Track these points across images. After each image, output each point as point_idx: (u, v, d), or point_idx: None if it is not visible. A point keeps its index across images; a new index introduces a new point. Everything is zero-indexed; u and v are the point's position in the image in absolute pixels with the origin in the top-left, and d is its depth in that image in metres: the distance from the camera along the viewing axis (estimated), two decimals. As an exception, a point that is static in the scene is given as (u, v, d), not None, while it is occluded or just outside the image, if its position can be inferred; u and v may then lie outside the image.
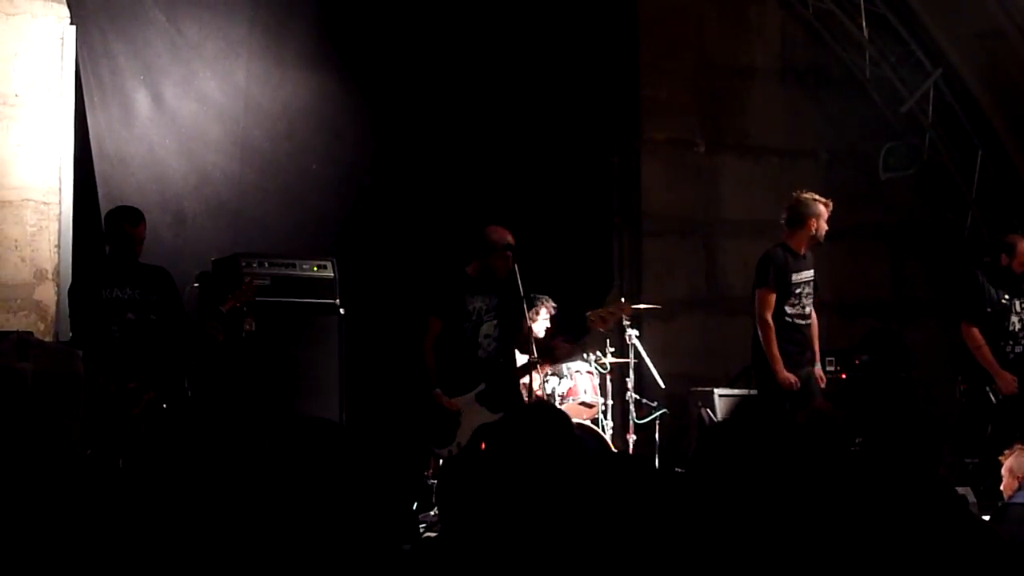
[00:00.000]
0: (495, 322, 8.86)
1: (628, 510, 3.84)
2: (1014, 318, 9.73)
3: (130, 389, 8.10)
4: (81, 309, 8.39)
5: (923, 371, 11.89)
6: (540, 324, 10.51)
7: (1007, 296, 9.71)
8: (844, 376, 11.43)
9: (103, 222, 8.81)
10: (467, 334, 8.80)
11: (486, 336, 8.84)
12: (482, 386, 8.78)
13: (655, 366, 10.62)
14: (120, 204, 9.51)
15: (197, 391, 8.93)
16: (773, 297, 9.35)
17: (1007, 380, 9.58)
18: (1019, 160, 12.79)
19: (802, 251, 9.51)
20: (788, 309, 9.43)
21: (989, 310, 9.68)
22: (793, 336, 9.46)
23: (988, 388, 9.67)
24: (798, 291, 9.45)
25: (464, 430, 8.54)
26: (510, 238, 8.89)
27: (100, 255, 8.78)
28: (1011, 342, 9.73)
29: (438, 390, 8.71)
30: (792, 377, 9.26)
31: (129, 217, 8.58)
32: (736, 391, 11.14)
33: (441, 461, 8.55)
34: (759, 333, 9.42)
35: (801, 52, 13.14)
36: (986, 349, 9.63)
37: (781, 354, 9.30)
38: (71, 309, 8.53)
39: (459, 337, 8.80)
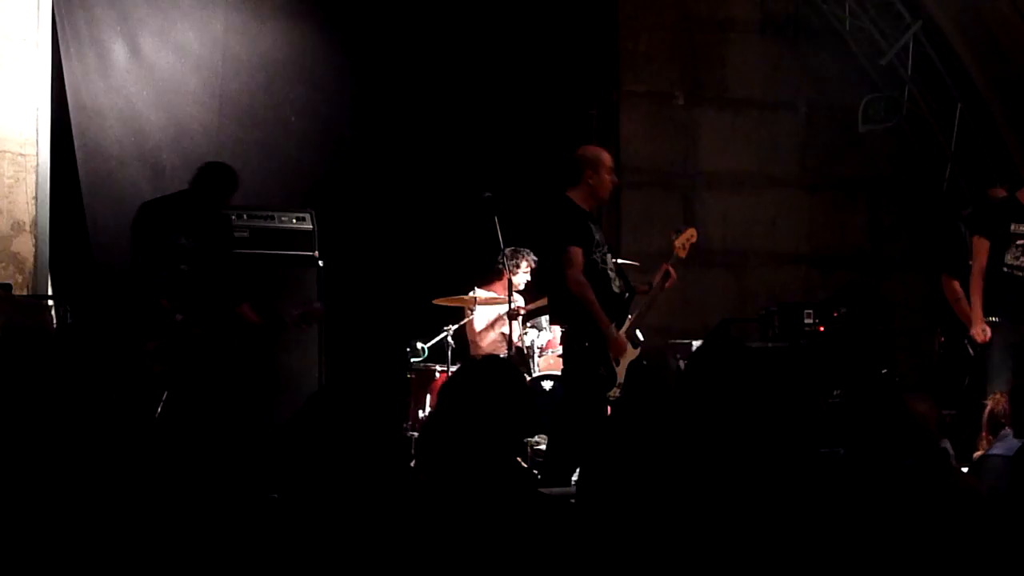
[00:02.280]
0: (610, 254, 8.39)
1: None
2: (994, 271, 9.73)
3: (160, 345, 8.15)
4: (145, 246, 8.36)
5: (900, 324, 11.92)
6: (521, 277, 10.52)
7: (986, 250, 9.70)
8: (822, 329, 11.45)
9: (206, 172, 8.69)
10: (599, 266, 8.20)
11: (611, 269, 8.32)
12: (628, 321, 8.32)
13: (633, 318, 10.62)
14: (97, 155, 9.54)
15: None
16: (985, 245, 9.07)
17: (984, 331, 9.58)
18: (998, 113, 12.78)
19: None
20: (1008, 259, 9.06)
21: (969, 263, 9.68)
22: (1011, 287, 9.06)
23: (966, 340, 9.66)
24: (1020, 242, 9.06)
25: (620, 368, 8.23)
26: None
27: (176, 195, 8.69)
28: (990, 295, 9.73)
29: (616, 331, 8.18)
30: (982, 327, 9.05)
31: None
32: (714, 344, 11.14)
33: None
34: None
35: (781, 4, 13.09)
36: (964, 302, 9.62)
37: (998, 304, 9.04)
38: (134, 243, 8.47)
39: (594, 270, 8.15)
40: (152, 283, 8.23)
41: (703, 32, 12.94)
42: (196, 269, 8.36)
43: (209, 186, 8.49)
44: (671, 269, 8.56)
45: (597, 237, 8.24)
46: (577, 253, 8.07)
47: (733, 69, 13.01)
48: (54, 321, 8.25)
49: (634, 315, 8.46)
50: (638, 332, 8.55)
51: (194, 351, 8.20)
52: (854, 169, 13.21)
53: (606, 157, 8.47)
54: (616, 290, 8.31)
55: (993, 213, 9.18)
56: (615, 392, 8.20)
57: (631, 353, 8.29)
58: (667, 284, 8.58)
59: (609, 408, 8.28)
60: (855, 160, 13.20)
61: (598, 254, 8.19)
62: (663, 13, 12.78)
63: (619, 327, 8.23)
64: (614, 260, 8.43)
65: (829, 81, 12.97)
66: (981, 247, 9.08)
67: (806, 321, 11.38)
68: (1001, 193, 9.70)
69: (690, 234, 8.80)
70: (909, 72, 12.74)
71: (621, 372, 8.22)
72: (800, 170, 13.17)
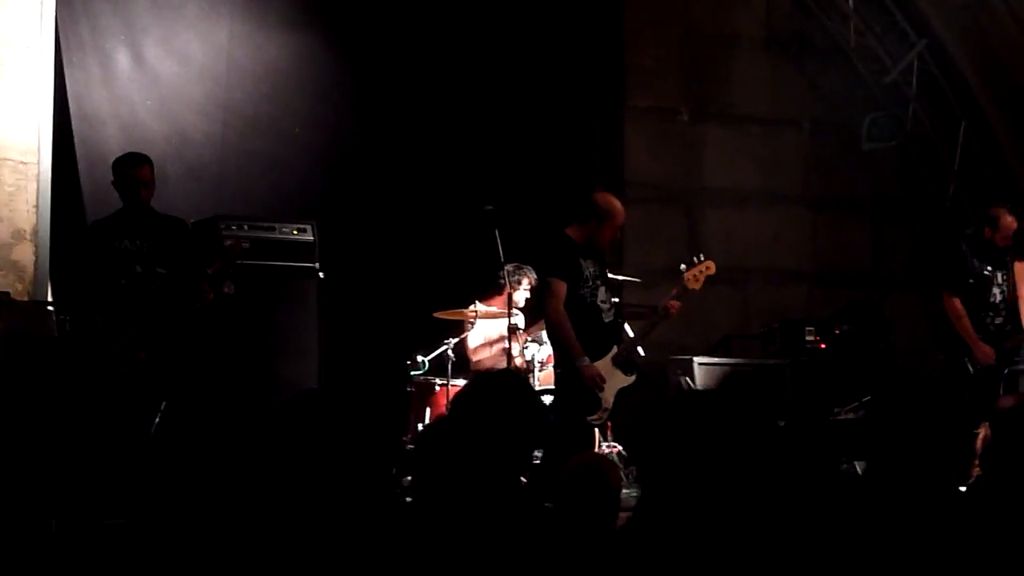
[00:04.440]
0: (604, 287, 8.59)
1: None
2: (996, 290, 9.73)
3: (123, 345, 8.06)
4: (89, 260, 8.34)
5: (903, 342, 11.91)
6: (521, 294, 10.46)
7: (989, 268, 9.71)
8: (824, 346, 11.45)
9: (112, 171, 8.69)
10: (587, 299, 8.46)
11: (603, 301, 8.54)
12: (615, 350, 8.51)
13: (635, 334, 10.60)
14: (100, 164, 9.49)
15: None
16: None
17: (985, 352, 9.60)
18: (1002, 132, 12.79)
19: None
20: None
21: (971, 281, 9.68)
22: None
23: (966, 359, 9.66)
24: None
25: (607, 395, 8.40)
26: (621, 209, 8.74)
27: (116, 207, 8.68)
28: (992, 314, 9.73)
29: (587, 361, 8.34)
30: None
31: (129, 161, 8.48)
32: (715, 360, 11.13)
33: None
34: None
35: (786, 21, 13.11)
36: (966, 320, 9.64)
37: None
38: (81, 259, 8.46)
39: (581, 302, 8.45)
40: (108, 295, 8.24)
41: (708, 48, 12.95)
42: (149, 270, 8.34)
43: (118, 183, 8.45)
44: (674, 302, 8.70)
45: (587, 272, 8.48)
46: (560, 286, 8.36)
47: (738, 86, 13.02)
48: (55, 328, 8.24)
49: (626, 342, 8.72)
50: (640, 351, 8.62)
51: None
52: (857, 187, 13.21)
53: (619, 214, 8.69)
54: (607, 320, 8.56)
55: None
56: (599, 416, 8.47)
57: (621, 379, 8.49)
58: (670, 314, 8.71)
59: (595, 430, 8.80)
60: (859, 178, 13.20)
61: (586, 289, 8.46)
62: (668, 29, 12.78)
63: (604, 354, 8.47)
64: (609, 292, 8.64)
65: (833, 99, 12.97)
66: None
67: (808, 338, 11.41)
68: (1004, 212, 9.75)
69: (706, 266, 8.75)
70: (913, 90, 12.75)
71: (608, 398, 8.41)
72: (803, 187, 13.16)
